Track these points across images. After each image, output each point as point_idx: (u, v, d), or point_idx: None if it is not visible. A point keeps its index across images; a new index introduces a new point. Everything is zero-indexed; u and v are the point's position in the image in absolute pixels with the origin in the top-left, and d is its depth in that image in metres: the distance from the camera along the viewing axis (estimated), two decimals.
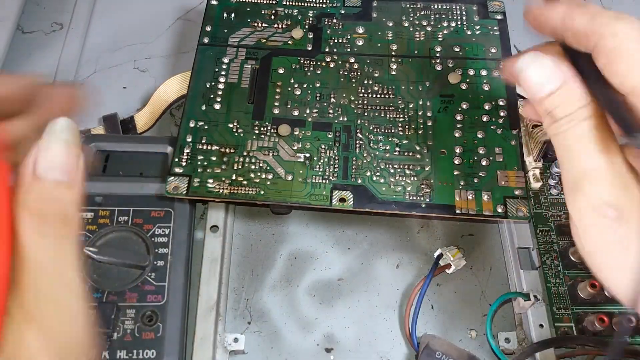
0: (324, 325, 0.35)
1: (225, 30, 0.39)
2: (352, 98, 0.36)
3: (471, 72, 0.37)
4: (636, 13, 0.50)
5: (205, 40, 0.39)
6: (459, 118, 0.36)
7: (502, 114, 0.36)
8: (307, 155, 0.34)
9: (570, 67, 0.23)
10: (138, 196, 0.34)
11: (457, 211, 0.32)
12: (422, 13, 0.40)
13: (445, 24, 0.39)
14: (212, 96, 0.36)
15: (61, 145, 0.18)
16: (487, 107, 0.36)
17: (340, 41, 0.39)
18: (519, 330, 0.35)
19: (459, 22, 0.39)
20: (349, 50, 0.38)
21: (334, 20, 0.40)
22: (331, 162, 0.34)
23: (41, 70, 0.44)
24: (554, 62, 0.23)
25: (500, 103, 0.36)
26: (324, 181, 0.34)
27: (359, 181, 0.33)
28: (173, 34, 0.47)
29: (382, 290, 0.36)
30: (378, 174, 0.34)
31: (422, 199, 0.33)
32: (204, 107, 0.36)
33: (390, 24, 0.39)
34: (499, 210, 0.32)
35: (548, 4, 0.24)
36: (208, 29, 0.39)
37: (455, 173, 0.34)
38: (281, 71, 0.37)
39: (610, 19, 0.22)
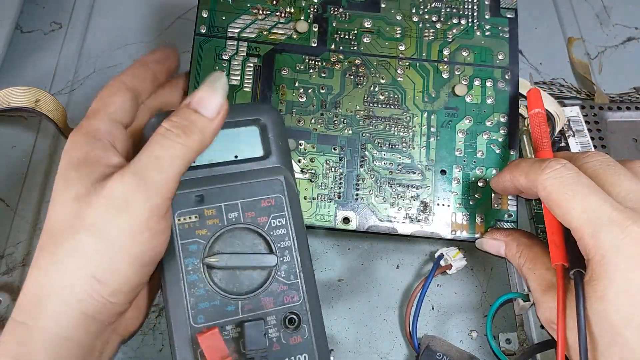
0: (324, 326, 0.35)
1: (224, 17, 0.37)
2: (358, 107, 0.36)
3: (477, 83, 0.37)
4: (636, 13, 0.50)
5: (202, 30, 0.36)
6: (460, 135, 0.36)
7: (502, 131, 0.36)
8: (313, 171, 0.35)
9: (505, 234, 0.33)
10: (243, 185, 0.29)
11: (452, 233, 0.35)
12: (433, 5, 0.38)
13: (455, 20, 0.38)
14: None
15: (215, 92, 0.26)
16: (488, 124, 0.36)
17: (347, 36, 0.37)
18: (519, 331, 0.34)
19: (470, 20, 0.38)
20: (355, 48, 0.37)
21: (340, 10, 0.37)
22: (336, 180, 0.35)
23: (40, 70, 0.44)
24: (491, 239, 0.33)
25: (502, 120, 0.36)
26: (328, 200, 0.34)
27: (363, 201, 0.35)
28: (172, 33, 0.47)
29: (382, 291, 0.36)
30: (381, 194, 0.35)
31: (420, 221, 0.35)
32: None
33: (399, 18, 0.37)
34: None
35: (499, 174, 0.32)
36: (204, 14, 0.36)
37: (453, 194, 0.35)
38: (285, 73, 0.36)
39: (536, 174, 0.27)
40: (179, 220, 0.28)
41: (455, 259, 0.35)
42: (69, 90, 0.43)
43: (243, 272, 0.28)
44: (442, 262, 0.36)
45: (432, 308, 0.36)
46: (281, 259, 0.29)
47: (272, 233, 0.29)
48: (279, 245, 0.29)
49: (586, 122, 0.41)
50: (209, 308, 0.27)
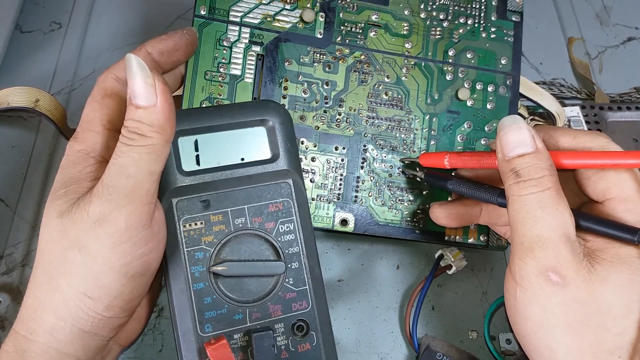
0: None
1: None
2: (361, 106, 0.35)
3: (479, 87, 0.36)
4: (636, 13, 0.50)
5: (203, 11, 0.34)
6: (459, 139, 0.36)
7: None
8: (313, 171, 0.34)
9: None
10: (250, 189, 0.29)
11: (446, 238, 0.35)
12: (442, 2, 0.37)
13: (462, 20, 0.37)
14: (212, 90, 0.34)
15: (136, 79, 0.23)
16: (487, 129, 0.36)
17: (353, 29, 0.36)
18: None
19: (476, 20, 0.37)
20: (361, 43, 0.36)
21: (348, 0, 0.36)
22: (336, 181, 0.35)
23: (40, 70, 0.43)
24: (531, 131, 0.25)
25: None
26: (327, 202, 0.34)
27: (362, 203, 0.35)
28: None
29: (382, 291, 0.36)
30: (380, 197, 0.35)
31: (416, 225, 0.35)
32: (204, 105, 0.34)
33: (407, 13, 0.36)
34: (482, 239, 0.35)
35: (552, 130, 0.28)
36: None
37: (449, 199, 0.35)
38: (288, 65, 0.35)
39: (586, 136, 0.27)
40: (184, 226, 0.27)
41: (455, 259, 0.35)
42: (69, 90, 0.43)
43: (251, 279, 0.28)
44: (442, 263, 0.36)
45: (433, 308, 0.36)
46: (289, 265, 0.28)
47: (279, 239, 0.28)
48: (287, 251, 0.28)
49: (586, 122, 0.41)
50: (216, 317, 0.27)
